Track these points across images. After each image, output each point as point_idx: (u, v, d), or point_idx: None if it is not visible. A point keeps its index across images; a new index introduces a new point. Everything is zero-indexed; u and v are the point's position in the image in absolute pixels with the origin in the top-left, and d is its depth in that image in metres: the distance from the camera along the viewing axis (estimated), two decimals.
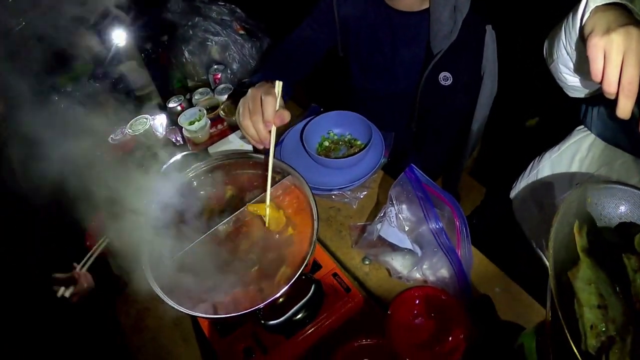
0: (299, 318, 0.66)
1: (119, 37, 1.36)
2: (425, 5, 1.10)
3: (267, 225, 0.79)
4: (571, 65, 0.73)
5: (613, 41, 0.54)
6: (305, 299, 0.66)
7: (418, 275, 0.89)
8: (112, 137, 1.23)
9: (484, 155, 1.49)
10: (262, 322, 0.65)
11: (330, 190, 1.09)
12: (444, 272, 0.86)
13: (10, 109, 1.13)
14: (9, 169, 1.13)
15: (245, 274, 0.75)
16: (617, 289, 0.48)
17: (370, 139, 1.13)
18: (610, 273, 0.48)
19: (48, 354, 1.04)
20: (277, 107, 0.80)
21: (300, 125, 1.26)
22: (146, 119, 1.20)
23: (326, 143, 1.24)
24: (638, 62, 0.53)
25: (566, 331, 0.41)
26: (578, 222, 0.51)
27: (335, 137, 1.25)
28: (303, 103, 1.43)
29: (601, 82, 0.56)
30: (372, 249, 0.94)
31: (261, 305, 0.63)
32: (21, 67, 1.14)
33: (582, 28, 0.63)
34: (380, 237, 0.89)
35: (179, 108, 1.29)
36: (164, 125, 1.24)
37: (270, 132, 0.80)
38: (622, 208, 0.55)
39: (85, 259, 1.07)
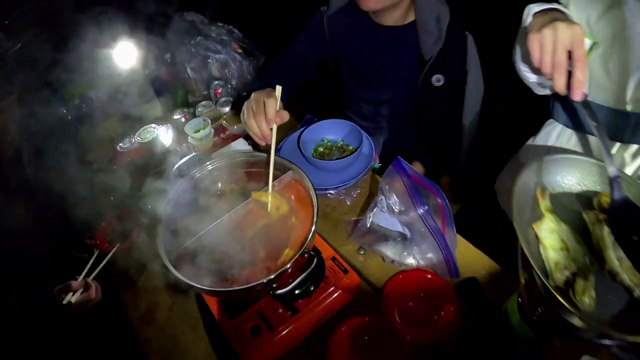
0: (303, 289, 0.74)
1: (127, 55, 1.47)
2: (410, 19, 1.24)
3: (269, 210, 0.88)
4: (528, 63, 0.86)
5: (545, 35, 0.68)
6: (309, 270, 0.74)
7: (409, 261, 0.98)
8: (120, 146, 1.32)
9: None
10: (271, 292, 0.72)
11: (326, 189, 1.19)
12: (433, 256, 0.95)
13: (25, 117, 1.20)
14: (23, 175, 1.20)
15: (253, 256, 0.83)
16: (580, 240, 0.58)
17: (361, 144, 1.24)
18: (572, 228, 0.58)
19: (57, 348, 1.08)
20: (278, 108, 0.90)
21: (296, 134, 1.36)
22: (153, 128, 1.29)
23: (320, 149, 1.34)
24: (564, 47, 0.67)
25: (535, 268, 0.51)
26: (540, 187, 0.61)
27: (329, 144, 1.35)
28: (298, 114, 1.54)
29: (541, 67, 0.70)
30: (366, 239, 1.03)
31: (272, 276, 0.71)
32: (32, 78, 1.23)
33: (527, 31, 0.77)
34: (372, 225, 0.98)
35: (183, 119, 1.39)
36: (170, 135, 1.33)
37: (271, 129, 0.90)
38: (577, 174, 0.66)
39: (100, 266, 1.12)
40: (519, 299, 0.72)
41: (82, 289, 1.05)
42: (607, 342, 0.53)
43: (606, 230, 0.56)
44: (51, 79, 1.41)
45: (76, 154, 1.44)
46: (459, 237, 1.03)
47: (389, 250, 1.00)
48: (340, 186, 1.19)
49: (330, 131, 1.36)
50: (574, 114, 0.94)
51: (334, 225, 1.14)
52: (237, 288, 0.72)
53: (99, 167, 1.36)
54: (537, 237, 0.57)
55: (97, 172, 1.31)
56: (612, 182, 0.59)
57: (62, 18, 1.49)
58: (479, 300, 0.93)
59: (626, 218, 0.56)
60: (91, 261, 1.13)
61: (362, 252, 1.05)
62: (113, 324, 1.12)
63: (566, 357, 0.77)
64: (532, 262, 0.50)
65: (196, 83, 1.56)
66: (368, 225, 0.97)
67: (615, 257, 0.54)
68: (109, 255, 1.14)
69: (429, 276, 0.94)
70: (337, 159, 1.29)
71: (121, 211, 1.21)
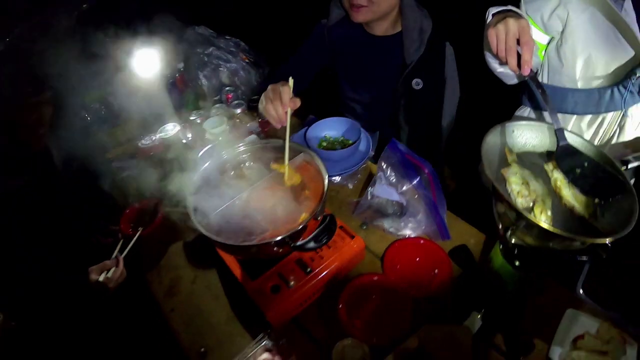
0: (319, 240, 0.87)
1: (144, 63, 1.62)
2: (397, 30, 1.42)
3: (285, 178, 1.01)
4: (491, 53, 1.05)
5: (499, 28, 0.86)
6: (323, 225, 0.87)
7: (406, 231, 1.12)
8: (142, 142, 1.45)
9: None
10: (292, 245, 0.85)
11: (331, 176, 1.34)
12: (426, 223, 1.09)
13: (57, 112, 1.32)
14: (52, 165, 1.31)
15: (274, 221, 0.96)
16: (540, 181, 0.74)
17: (359, 137, 1.39)
18: (533, 173, 0.74)
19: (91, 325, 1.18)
20: (291, 96, 1.06)
21: (301, 132, 1.52)
22: (174, 126, 1.43)
23: (324, 144, 1.49)
24: (513, 36, 0.84)
25: (501, 192, 0.65)
26: (507, 146, 0.77)
27: (331, 139, 1.51)
28: (301, 115, 1.70)
29: (497, 53, 0.88)
30: (367, 215, 1.18)
31: (294, 230, 0.84)
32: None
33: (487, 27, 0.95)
34: (373, 200, 1.12)
35: (198, 120, 1.53)
36: (188, 132, 1.47)
37: (286, 113, 1.05)
38: (539, 136, 0.82)
39: (128, 247, 1.23)
40: (500, 245, 0.87)
41: (114, 267, 1.16)
42: (580, 257, 0.68)
43: (561, 174, 0.71)
44: (75, 83, 1.55)
45: (97, 150, 1.57)
46: (450, 213, 1.19)
47: (388, 223, 1.14)
48: (342, 173, 1.34)
49: (332, 128, 1.51)
50: (537, 97, 1.12)
51: (338, 206, 1.28)
52: (267, 241, 0.85)
53: (120, 162, 1.48)
54: (504, 178, 0.72)
55: (121, 167, 1.44)
56: (557, 132, 0.77)
57: (87, 29, 1.64)
58: (468, 262, 1.07)
59: (569, 157, 0.73)
60: (119, 245, 1.24)
61: (364, 227, 1.19)
62: (138, 299, 1.23)
63: (551, 310, 0.93)
64: (500, 190, 0.65)
65: (207, 89, 1.71)
66: (369, 199, 1.12)
67: (570, 194, 0.69)
68: (135, 238, 1.25)
69: (422, 242, 1.08)
70: None
71: (144, 199, 1.33)
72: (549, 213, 0.67)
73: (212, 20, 1.92)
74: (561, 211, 0.72)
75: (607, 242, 0.64)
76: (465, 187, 1.60)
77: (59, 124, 1.35)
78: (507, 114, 1.31)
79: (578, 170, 0.74)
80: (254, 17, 2.21)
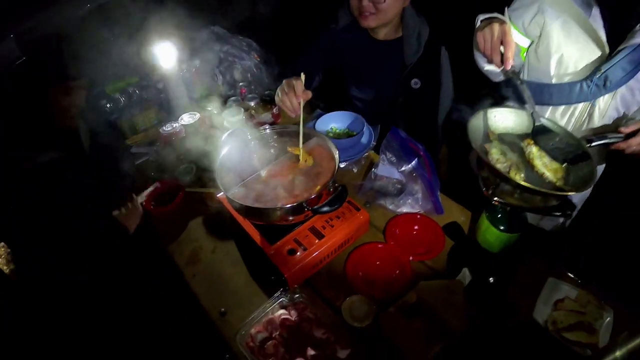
0: (333, 205, 1.01)
1: (164, 58, 1.76)
2: (398, 35, 1.59)
3: (300, 160, 1.16)
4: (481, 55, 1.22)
5: (486, 31, 1.04)
6: (336, 192, 1.02)
7: (404, 208, 1.27)
8: (163, 129, 1.58)
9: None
10: (310, 208, 1.00)
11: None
12: (423, 203, 1.25)
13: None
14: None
15: (294, 191, 1.10)
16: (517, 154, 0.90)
17: (362, 129, 1.55)
18: (510, 148, 0.91)
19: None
20: (303, 89, 1.21)
21: (310, 124, 1.66)
22: (195, 114, 1.57)
23: (330, 135, 1.64)
24: (497, 37, 1.01)
25: (483, 157, 0.81)
26: (490, 128, 0.93)
27: (337, 131, 1.66)
28: (310, 110, 1.85)
29: (484, 51, 1.04)
30: (370, 195, 1.33)
31: (312, 196, 0.99)
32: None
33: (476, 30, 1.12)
34: (376, 181, 1.27)
35: (215, 111, 1.67)
36: (206, 121, 1.61)
37: (299, 104, 1.20)
38: (517, 120, 0.99)
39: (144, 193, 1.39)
40: (485, 212, 1.02)
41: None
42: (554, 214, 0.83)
43: (534, 147, 0.88)
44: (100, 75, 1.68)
45: (117, 135, 1.70)
46: (444, 195, 1.34)
47: (388, 202, 1.29)
48: (348, 160, 1.49)
49: (337, 121, 1.67)
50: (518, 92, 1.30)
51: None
52: (289, 205, 0.99)
53: (138, 148, 1.61)
54: (486, 151, 0.89)
55: (138, 152, 1.57)
56: (533, 115, 0.94)
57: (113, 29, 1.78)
58: (459, 235, 1.23)
59: (544, 134, 0.89)
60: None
61: (368, 205, 1.34)
62: (160, 267, 1.35)
63: (535, 280, 1.07)
64: (484, 157, 0.81)
65: (223, 83, 1.85)
66: (373, 179, 1.27)
67: (541, 163, 0.85)
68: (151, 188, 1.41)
69: (419, 216, 1.23)
70: None
71: (165, 180, 1.46)
72: (522, 175, 0.83)
73: (228, 21, 2.07)
74: (534, 177, 0.89)
75: (569, 196, 0.80)
76: (457, 174, 1.76)
77: (86, 107, 1.47)
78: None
79: (551, 144, 0.91)
80: (266, 20, 2.37)
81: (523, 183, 0.81)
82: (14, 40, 1.69)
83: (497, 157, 0.88)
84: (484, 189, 0.89)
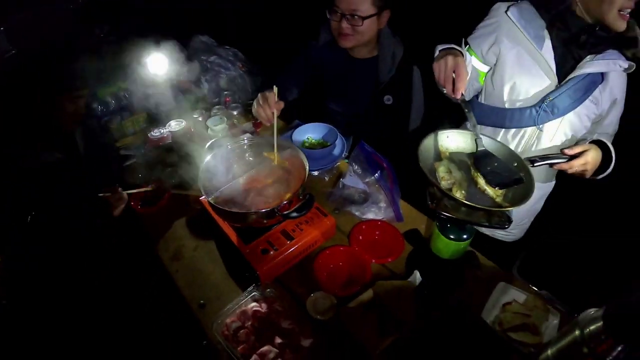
0: (300, 211, 1.14)
1: (154, 65, 1.86)
2: (374, 54, 1.73)
3: (274, 163, 1.29)
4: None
5: (440, 62, 1.14)
6: (304, 200, 1.15)
7: (369, 215, 1.41)
8: (151, 134, 1.70)
9: None
10: (280, 213, 1.13)
11: (312, 170, 1.62)
12: (386, 212, 1.39)
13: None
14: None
15: (266, 198, 1.23)
16: (463, 172, 1.05)
17: (335, 140, 1.69)
18: (457, 166, 1.06)
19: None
20: (276, 100, 1.35)
21: (287, 134, 1.80)
22: (181, 121, 1.69)
23: (306, 144, 1.78)
24: (450, 69, 1.11)
25: (430, 177, 0.96)
26: (442, 147, 1.08)
27: (313, 141, 1.80)
28: (289, 120, 1.98)
29: (439, 80, 1.16)
30: (339, 202, 1.47)
31: (282, 203, 1.12)
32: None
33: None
34: (344, 189, 1.41)
35: (200, 118, 1.79)
36: (192, 128, 1.73)
37: (273, 113, 1.34)
38: (467, 140, 1.14)
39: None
40: (436, 222, 1.17)
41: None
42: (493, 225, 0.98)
43: (474, 171, 1.03)
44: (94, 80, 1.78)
45: (108, 138, 1.80)
46: (406, 203, 1.49)
47: (355, 209, 1.43)
48: (321, 168, 1.63)
49: (313, 132, 1.80)
50: (480, 114, 1.44)
51: (316, 194, 1.51)
52: (263, 210, 1.12)
53: (127, 150, 1.72)
54: (434, 169, 1.04)
55: (127, 154, 1.68)
56: (476, 140, 1.08)
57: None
58: (418, 241, 1.37)
59: (484, 159, 1.05)
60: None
61: (336, 211, 1.48)
62: (146, 262, 1.46)
63: (486, 284, 1.18)
64: (429, 176, 0.96)
65: (208, 92, 1.97)
66: (341, 187, 1.41)
67: (484, 182, 1.01)
68: (139, 190, 1.51)
69: (380, 223, 1.38)
70: None
71: (152, 182, 1.57)
72: (464, 192, 0.98)
73: (215, 30, 2.19)
74: (477, 193, 1.03)
75: (505, 211, 0.95)
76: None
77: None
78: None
79: (488, 168, 1.04)
80: (251, 30, 2.49)
81: (462, 200, 0.95)
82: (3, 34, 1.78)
83: (443, 174, 1.03)
84: (429, 202, 1.03)
